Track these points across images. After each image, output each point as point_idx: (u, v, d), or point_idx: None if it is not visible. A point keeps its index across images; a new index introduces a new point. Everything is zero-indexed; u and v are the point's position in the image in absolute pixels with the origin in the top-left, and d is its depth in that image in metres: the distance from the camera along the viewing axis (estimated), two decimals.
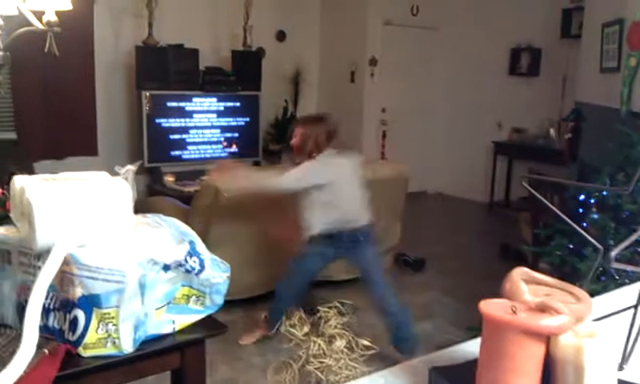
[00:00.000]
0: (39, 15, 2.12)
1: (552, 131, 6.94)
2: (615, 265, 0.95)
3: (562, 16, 6.86)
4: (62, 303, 1.30)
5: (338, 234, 3.43)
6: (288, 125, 7.51)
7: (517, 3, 7.14)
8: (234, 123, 6.73)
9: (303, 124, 3.57)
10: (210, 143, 6.62)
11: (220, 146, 6.68)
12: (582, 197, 3.15)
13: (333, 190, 3.37)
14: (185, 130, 6.40)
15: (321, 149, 3.44)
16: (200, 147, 6.54)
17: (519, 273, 1.01)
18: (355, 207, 3.46)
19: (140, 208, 1.53)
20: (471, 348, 1.05)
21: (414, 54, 7.89)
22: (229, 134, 6.72)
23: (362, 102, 7.70)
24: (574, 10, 6.56)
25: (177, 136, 6.36)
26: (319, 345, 2.67)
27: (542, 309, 0.89)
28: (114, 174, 1.50)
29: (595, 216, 2.98)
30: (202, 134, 6.53)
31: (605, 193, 2.94)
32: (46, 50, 2.10)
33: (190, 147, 6.46)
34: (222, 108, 6.62)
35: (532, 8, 7.03)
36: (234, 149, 6.77)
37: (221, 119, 6.64)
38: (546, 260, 3.28)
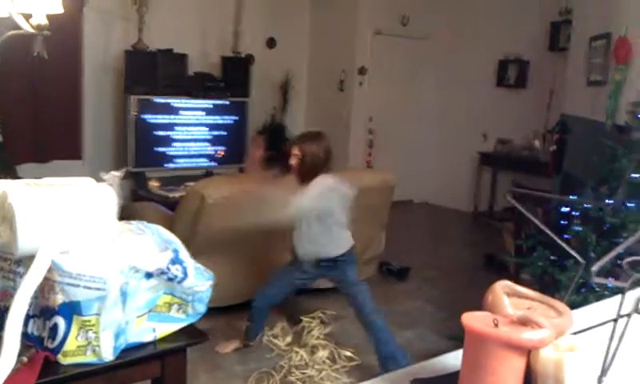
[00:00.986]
0: (28, 18, 2.11)
1: (537, 143, 6.99)
2: (596, 279, 0.96)
3: (550, 29, 6.93)
4: (41, 310, 1.29)
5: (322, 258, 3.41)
6: (276, 132, 7.51)
7: (506, 15, 7.20)
8: (221, 129, 6.71)
9: (302, 142, 3.41)
10: (197, 149, 6.59)
11: (206, 152, 6.66)
12: (564, 209, 3.18)
13: (326, 220, 3.33)
14: (172, 135, 6.37)
15: (318, 170, 3.33)
16: (186, 153, 6.51)
17: (501, 286, 1.02)
18: (341, 236, 3.42)
19: (124, 213, 1.52)
20: (452, 360, 1.05)
21: (403, 63, 7.93)
22: (216, 141, 6.70)
23: (350, 111, 7.72)
24: (562, 23, 6.62)
25: (163, 141, 6.33)
26: (302, 355, 2.66)
27: (524, 322, 0.90)
28: (99, 178, 1.49)
29: (577, 228, 3.01)
30: (189, 139, 6.51)
31: (587, 205, 2.96)
32: (34, 53, 2.09)
33: (176, 153, 6.43)
34: (209, 114, 6.60)
35: (520, 20, 7.09)
36: (220, 155, 6.75)
37: (208, 125, 6.62)
38: (527, 270, 3.30)
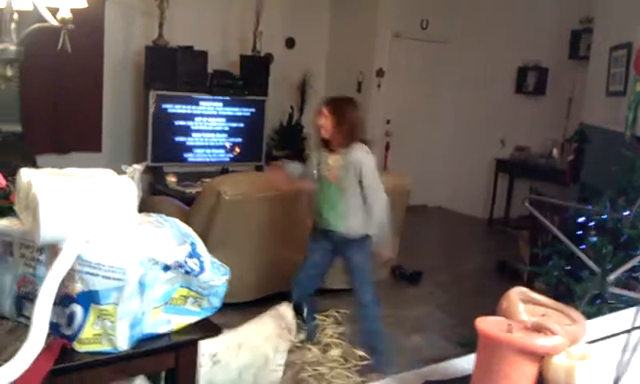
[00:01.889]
0: (53, 12, 2.14)
1: (555, 151, 6.94)
2: (612, 289, 0.96)
3: (570, 37, 6.88)
4: (60, 297, 1.31)
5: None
6: (293, 131, 7.53)
7: (526, 22, 7.16)
8: (238, 127, 6.74)
9: (334, 103, 3.18)
10: (214, 146, 6.63)
11: (223, 149, 6.70)
12: (581, 219, 3.16)
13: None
14: (190, 131, 6.41)
15: (355, 136, 3.13)
16: (204, 149, 6.55)
17: (517, 292, 1.02)
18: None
19: (142, 207, 1.54)
20: (464, 364, 1.06)
21: (422, 67, 7.91)
22: (233, 138, 6.73)
23: (367, 113, 7.72)
24: (583, 31, 6.57)
25: (181, 137, 6.37)
26: (315, 352, 2.67)
27: (538, 329, 0.90)
28: (119, 171, 1.51)
29: (594, 239, 2.99)
30: (207, 136, 6.55)
31: (605, 216, 2.94)
32: (59, 47, 2.12)
33: (193, 149, 6.47)
34: (227, 111, 6.64)
35: (541, 27, 7.04)
36: (237, 153, 6.78)
37: (226, 122, 6.65)
38: (542, 279, 3.28)
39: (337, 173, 3.19)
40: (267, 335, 2.71)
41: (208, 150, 6.58)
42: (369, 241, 3.26)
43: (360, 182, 3.15)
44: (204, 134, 6.52)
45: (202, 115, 6.46)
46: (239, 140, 6.77)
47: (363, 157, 3.15)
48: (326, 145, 3.21)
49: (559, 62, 7.05)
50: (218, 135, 6.63)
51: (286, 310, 2.82)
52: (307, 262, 3.44)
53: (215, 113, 6.56)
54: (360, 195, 3.18)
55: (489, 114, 7.67)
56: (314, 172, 3.31)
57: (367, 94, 7.72)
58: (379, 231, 3.19)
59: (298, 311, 2.95)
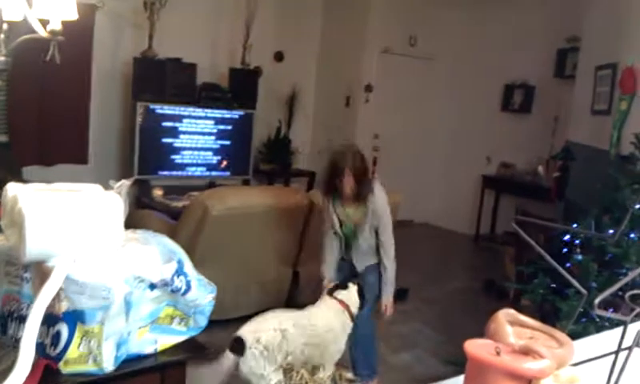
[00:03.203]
0: (43, 23, 2.13)
1: (540, 168, 7.00)
2: (598, 312, 0.97)
3: (556, 56, 6.97)
4: (45, 317, 1.29)
5: None
6: (281, 145, 7.53)
7: (513, 40, 7.23)
8: (226, 140, 6.73)
9: (353, 163, 3.29)
10: (202, 159, 6.61)
11: (211, 163, 6.67)
12: (566, 237, 3.18)
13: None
14: (177, 145, 6.39)
15: (368, 180, 3.36)
16: (191, 162, 6.53)
17: (504, 314, 1.02)
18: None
19: (128, 221, 1.52)
20: None
21: (410, 83, 7.96)
22: (221, 151, 6.72)
23: (355, 127, 7.75)
24: (570, 50, 6.65)
25: (168, 150, 6.35)
26: (302, 374, 2.67)
27: (526, 352, 0.90)
28: (107, 185, 1.49)
29: (579, 257, 3.01)
30: (194, 149, 6.53)
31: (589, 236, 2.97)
32: (47, 58, 2.11)
33: (181, 162, 6.45)
34: (215, 124, 6.62)
35: (528, 46, 7.12)
36: (225, 167, 6.76)
37: (214, 135, 6.64)
38: (528, 297, 3.29)
39: (358, 218, 3.39)
40: (332, 315, 3.00)
41: (196, 164, 6.56)
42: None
43: (376, 224, 3.38)
44: (191, 148, 6.50)
45: (189, 128, 6.44)
46: (227, 153, 6.76)
47: (384, 203, 3.37)
48: (346, 198, 3.35)
49: (545, 81, 7.13)
50: (206, 149, 6.61)
51: (345, 292, 3.10)
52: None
53: (203, 126, 6.54)
54: (374, 234, 3.41)
55: (475, 130, 7.73)
56: (335, 224, 3.44)
57: (355, 108, 7.76)
58: (391, 280, 3.42)
59: None
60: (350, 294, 3.13)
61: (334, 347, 2.96)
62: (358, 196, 3.32)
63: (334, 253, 3.46)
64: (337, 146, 3.56)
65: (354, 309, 3.11)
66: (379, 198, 3.35)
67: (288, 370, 2.74)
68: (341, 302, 3.08)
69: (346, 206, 3.39)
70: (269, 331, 2.71)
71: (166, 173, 6.34)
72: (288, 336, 2.75)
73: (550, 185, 6.05)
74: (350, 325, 3.09)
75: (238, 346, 2.67)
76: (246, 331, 2.72)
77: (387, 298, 3.42)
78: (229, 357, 2.68)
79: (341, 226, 3.44)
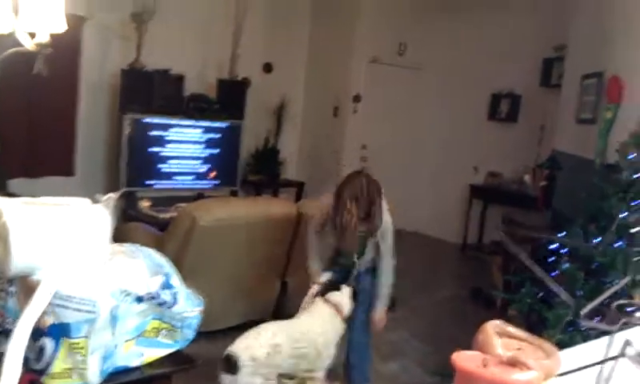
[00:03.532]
0: (31, 35, 2.12)
1: (527, 177, 7.04)
2: (585, 323, 0.97)
3: (542, 65, 7.03)
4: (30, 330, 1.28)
5: None
6: (269, 156, 7.52)
7: (500, 50, 7.28)
8: (214, 151, 6.71)
9: (361, 197, 3.20)
10: (189, 170, 6.58)
11: (198, 174, 6.65)
12: (553, 246, 3.20)
13: None
14: (164, 155, 6.35)
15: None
16: (178, 175, 6.50)
17: (492, 325, 1.03)
18: None
19: (115, 234, 1.51)
20: None
21: (398, 93, 7.99)
22: (208, 162, 6.69)
23: (343, 137, 7.76)
24: (555, 59, 6.71)
25: (156, 161, 6.31)
26: None
27: (513, 363, 0.91)
28: (94, 198, 1.48)
29: (566, 265, 3.02)
30: (182, 161, 6.50)
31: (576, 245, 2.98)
32: (35, 71, 2.09)
33: (168, 174, 6.41)
34: (203, 135, 6.59)
35: (514, 56, 7.17)
36: (212, 177, 6.74)
37: (201, 147, 6.61)
38: (515, 306, 3.30)
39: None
40: (323, 321, 3.02)
41: (183, 175, 6.53)
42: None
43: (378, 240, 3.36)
44: (179, 158, 6.47)
45: (177, 140, 6.41)
46: (215, 164, 6.74)
47: (389, 226, 3.38)
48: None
49: (532, 90, 7.19)
50: (193, 160, 6.59)
51: (337, 295, 3.14)
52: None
53: (191, 137, 6.52)
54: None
55: (463, 139, 7.77)
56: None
57: (343, 119, 7.78)
58: (386, 292, 3.41)
59: None
60: (343, 297, 3.12)
61: (325, 354, 2.95)
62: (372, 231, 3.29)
63: (319, 249, 3.43)
64: (357, 178, 3.34)
65: (346, 311, 3.11)
66: (385, 221, 3.34)
67: (279, 378, 2.74)
68: (333, 305, 3.07)
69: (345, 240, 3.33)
70: (262, 347, 2.69)
71: (153, 182, 6.30)
72: (282, 350, 2.74)
73: (536, 194, 6.09)
74: (342, 328, 3.09)
75: (231, 364, 2.65)
76: (239, 348, 2.69)
77: (381, 311, 3.39)
78: (225, 378, 2.65)
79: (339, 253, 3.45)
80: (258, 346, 2.70)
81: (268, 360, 2.68)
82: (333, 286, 3.21)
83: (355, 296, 3.26)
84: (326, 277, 3.34)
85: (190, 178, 6.58)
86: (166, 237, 3.93)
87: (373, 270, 3.44)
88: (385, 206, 3.35)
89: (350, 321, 3.33)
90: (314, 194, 7.07)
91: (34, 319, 1.13)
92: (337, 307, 3.09)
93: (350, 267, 3.45)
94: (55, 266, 1.24)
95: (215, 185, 6.73)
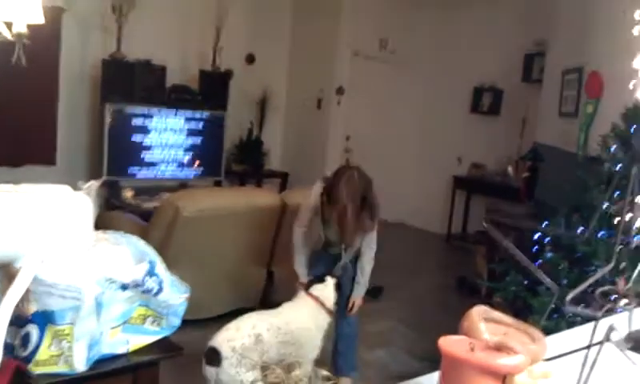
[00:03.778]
0: (9, 25, 2.09)
1: (510, 169, 7.10)
2: (570, 308, 0.98)
3: (524, 60, 7.07)
4: (14, 318, 1.26)
5: None
6: (252, 147, 7.50)
7: (481, 44, 7.33)
8: (197, 142, 6.68)
9: (350, 199, 3.16)
10: (172, 160, 6.54)
11: (181, 164, 6.61)
12: (537, 236, 3.23)
13: None
14: (147, 146, 6.30)
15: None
16: (161, 164, 6.45)
17: (478, 311, 1.03)
18: None
19: (98, 222, 1.50)
20: (429, 382, 1.06)
21: (381, 85, 8.00)
22: (192, 152, 6.66)
23: (327, 129, 7.76)
24: (536, 55, 6.76)
25: (138, 151, 6.26)
26: (278, 373, 2.67)
27: (500, 348, 0.91)
28: (76, 186, 1.47)
29: (549, 254, 3.06)
30: (164, 151, 6.45)
31: (559, 234, 3.02)
32: (13, 60, 2.07)
33: (151, 163, 6.37)
34: (186, 126, 6.56)
35: (496, 50, 7.21)
36: (196, 167, 6.71)
37: (184, 137, 6.57)
38: (500, 294, 3.34)
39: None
40: (306, 313, 3.03)
41: (166, 165, 6.49)
42: None
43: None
44: (162, 148, 6.43)
45: (159, 130, 6.36)
46: (198, 155, 6.70)
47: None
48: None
49: (513, 84, 7.23)
50: (176, 150, 6.54)
51: (319, 287, 3.14)
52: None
53: (173, 127, 6.47)
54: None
55: (446, 131, 7.81)
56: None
57: (327, 110, 7.77)
58: (367, 279, 3.48)
59: None
60: (326, 289, 3.14)
61: (309, 345, 2.97)
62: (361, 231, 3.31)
63: (305, 250, 3.45)
64: (349, 173, 3.31)
65: (330, 304, 3.13)
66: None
67: (264, 368, 2.75)
68: (316, 299, 3.09)
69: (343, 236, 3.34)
70: (243, 338, 2.71)
71: (135, 169, 6.25)
72: (263, 339, 2.75)
73: (519, 185, 6.15)
74: (326, 321, 3.10)
75: (214, 356, 2.66)
76: (221, 341, 2.71)
77: (359, 297, 3.47)
78: (210, 371, 2.67)
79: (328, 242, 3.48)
80: (239, 337, 2.71)
81: (250, 350, 2.68)
82: (318, 278, 3.22)
83: (340, 287, 3.28)
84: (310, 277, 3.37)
85: (173, 166, 6.54)
86: (149, 227, 3.90)
87: (357, 259, 3.48)
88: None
89: (338, 309, 3.36)
90: (297, 184, 7.07)
91: (13, 305, 1.12)
92: (319, 300, 3.10)
93: (336, 257, 3.49)
94: (36, 253, 1.23)
95: (199, 175, 6.70)
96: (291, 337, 2.89)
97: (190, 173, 6.66)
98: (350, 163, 7.64)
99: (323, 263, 3.49)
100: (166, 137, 6.42)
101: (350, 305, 3.45)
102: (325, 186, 3.27)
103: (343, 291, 3.39)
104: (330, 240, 3.46)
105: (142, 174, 6.30)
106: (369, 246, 3.42)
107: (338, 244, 3.45)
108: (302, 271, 3.41)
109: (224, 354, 2.65)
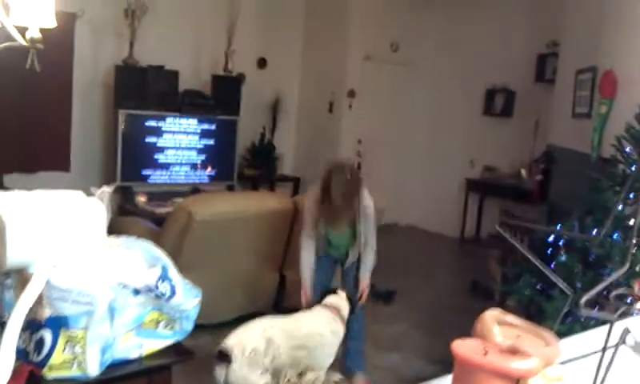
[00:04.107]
0: (22, 31, 2.11)
1: (523, 172, 7.05)
2: (584, 312, 0.97)
3: (536, 61, 7.03)
4: (28, 323, 1.28)
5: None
6: (265, 151, 7.51)
7: (493, 46, 7.30)
8: (210, 147, 6.70)
9: (346, 190, 3.33)
10: (185, 165, 6.57)
11: (194, 169, 6.64)
12: (550, 239, 3.20)
13: None
14: (160, 151, 6.34)
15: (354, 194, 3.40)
16: (174, 169, 6.49)
17: (491, 314, 1.02)
18: None
19: (112, 228, 1.51)
20: None
21: (393, 88, 7.99)
22: (205, 158, 6.69)
23: (339, 133, 7.76)
24: (549, 55, 6.72)
25: (151, 157, 6.30)
26: (289, 378, 2.68)
27: (513, 351, 0.91)
28: (89, 192, 1.48)
29: (563, 258, 3.03)
30: (178, 156, 6.49)
31: (573, 236, 2.99)
32: (27, 66, 2.08)
33: (164, 169, 6.41)
34: (198, 131, 6.59)
35: (508, 51, 7.18)
36: (208, 172, 6.73)
37: (197, 142, 6.61)
38: (513, 298, 3.31)
39: (345, 229, 3.52)
40: (322, 318, 3.05)
41: (179, 170, 6.52)
42: None
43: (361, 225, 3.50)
44: (175, 153, 6.46)
45: (172, 134, 6.40)
46: (211, 160, 6.73)
47: (372, 214, 3.51)
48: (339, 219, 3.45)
49: (526, 85, 7.19)
50: (189, 155, 6.58)
51: (334, 298, 3.18)
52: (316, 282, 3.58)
53: (186, 132, 6.51)
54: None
55: (458, 134, 7.77)
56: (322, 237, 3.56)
57: (339, 114, 7.77)
58: (369, 269, 3.59)
59: None
60: (340, 299, 3.15)
61: (322, 352, 2.96)
62: (347, 218, 3.43)
63: (311, 265, 3.52)
64: (332, 163, 3.53)
65: (345, 313, 3.14)
66: (369, 208, 3.48)
67: (276, 372, 2.74)
68: (332, 308, 3.09)
69: (334, 227, 3.48)
70: (254, 341, 2.71)
71: (149, 180, 6.29)
72: (273, 342, 2.75)
73: (532, 188, 6.10)
74: (342, 331, 3.11)
75: (224, 358, 2.66)
76: (231, 343, 2.71)
77: (365, 284, 3.58)
78: (219, 372, 2.68)
79: (330, 244, 3.58)
80: (250, 339, 2.72)
81: (260, 354, 2.69)
82: (328, 291, 3.25)
83: (351, 301, 3.30)
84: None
85: (186, 172, 6.57)
86: (162, 232, 3.92)
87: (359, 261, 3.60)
88: (366, 193, 3.49)
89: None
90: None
91: (26, 309, 1.13)
92: (335, 309, 3.11)
93: (341, 258, 3.62)
94: (49, 258, 1.24)
95: (212, 179, 6.72)
96: (304, 341, 2.88)
97: (203, 177, 6.69)
98: (362, 167, 7.66)
99: (323, 270, 3.58)
100: (179, 141, 6.46)
101: (360, 294, 3.55)
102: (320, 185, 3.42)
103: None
104: (332, 242, 3.55)
105: (155, 178, 6.34)
106: (368, 244, 3.53)
107: (338, 244, 3.57)
108: (306, 276, 3.48)
109: (235, 356, 2.65)
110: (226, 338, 2.78)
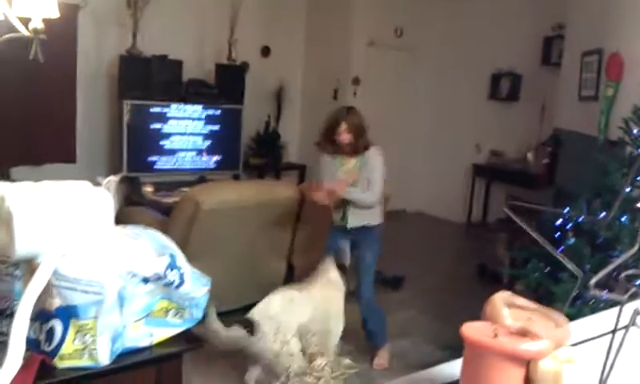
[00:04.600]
0: (25, 22, 2.11)
1: (530, 156, 7.03)
2: (595, 293, 0.97)
3: (542, 44, 6.98)
4: (38, 313, 1.28)
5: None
6: (270, 140, 7.51)
7: (499, 29, 7.25)
8: (215, 136, 6.71)
9: (349, 119, 3.63)
10: (191, 155, 6.58)
11: (200, 158, 6.65)
12: (558, 222, 3.20)
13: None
14: (166, 137, 6.36)
15: (367, 139, 3.69)
16: (180, 159, 6.50)
17: (500, 297, 1.02)
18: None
19: (119, 218, 1.51)
20: (451, 369, 1.06)
21: (397, 74, 7.96)
22: (210, 147, 6.69)
23: None
24: (555, 38, 6.68)
25: (157, 146, 6.31)
26: (300, 363, 2.72)
27: (523, 333, 0.90)
28: (96, 182, 1.48)
29: (571, 241, 3.03)
30: (183, 145, 6.50)
31: (580, 219, 2.98)
32: (31, 56, 2.09)
33: (169, 158, 6.42)
34: (203, 120, 6.60)
35: (514, 35, 7.13)
36: (214, 161, 6.74)
37: (202, 131, 6.61)
38: (522, 282, 3.31)
39: (355, 175, 3.68)
40: (331, 278, 3.30)
41: (185, 155, 6.53)
42: (379, 233, 3.78)
43: (368, 179, 3.65)
44: (180, 143, 6.47)
45: (177, 125, 6.41)
46: (216, 149, 6.74)
47: (378, 162, 3.71)
48: (343, 151, 3.65)
49: (532, 69, 7.15)
50: (195, 140, 6.59)
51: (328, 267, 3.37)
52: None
53: (191, 122, 6.51)
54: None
55: (464, 119, 7.75)
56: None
57: (343, 101, 7.73)
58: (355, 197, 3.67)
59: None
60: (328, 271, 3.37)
61: (334, 320, 3.18)
62: (354, 149, 3.63)
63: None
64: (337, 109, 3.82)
65: (347, 260, 3.49)
66: (374, 154, 3.67)
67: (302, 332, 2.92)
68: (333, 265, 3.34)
69: (345, 161, 3.67)
70: (276, 305, 2.96)
71: (155, 170, 6.30)
72: (295, 301, 3.00)
73: (539, 172, 6.08)
74: (340, 286, 3.34)
75: (250, 326, 2.81)
76: (256, 312, 2.92)
77: (344, 191, 3.62)
78: (239, 330, 2.77)
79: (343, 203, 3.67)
80: (272, 302, 2.98)
81: (283, 314, 2.90)
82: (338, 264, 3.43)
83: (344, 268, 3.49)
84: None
85: (192, 162, 6.58)
86: (169, 221, 3.93)
87: (366, 229, 3.69)
88: (377, 149, 3.73)
89: (361, 299, 3.66)
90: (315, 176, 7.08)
91: (34, 299, 1.13)
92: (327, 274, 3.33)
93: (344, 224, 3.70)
94: (58, 248, 1.24)
95: (217, 168, 6.73)
96: (321, 302, 3.13)
97: (209, 165, 6.69)
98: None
99: (335, 241, 3.70)
100: (185, 131, 6.47)
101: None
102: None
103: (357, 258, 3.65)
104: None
105: (161, 165, 6.35)
106: (371, 190, 3.65)
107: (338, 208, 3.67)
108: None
109: (259, 324, 2.86)
110: (251, 310, 3.00)
